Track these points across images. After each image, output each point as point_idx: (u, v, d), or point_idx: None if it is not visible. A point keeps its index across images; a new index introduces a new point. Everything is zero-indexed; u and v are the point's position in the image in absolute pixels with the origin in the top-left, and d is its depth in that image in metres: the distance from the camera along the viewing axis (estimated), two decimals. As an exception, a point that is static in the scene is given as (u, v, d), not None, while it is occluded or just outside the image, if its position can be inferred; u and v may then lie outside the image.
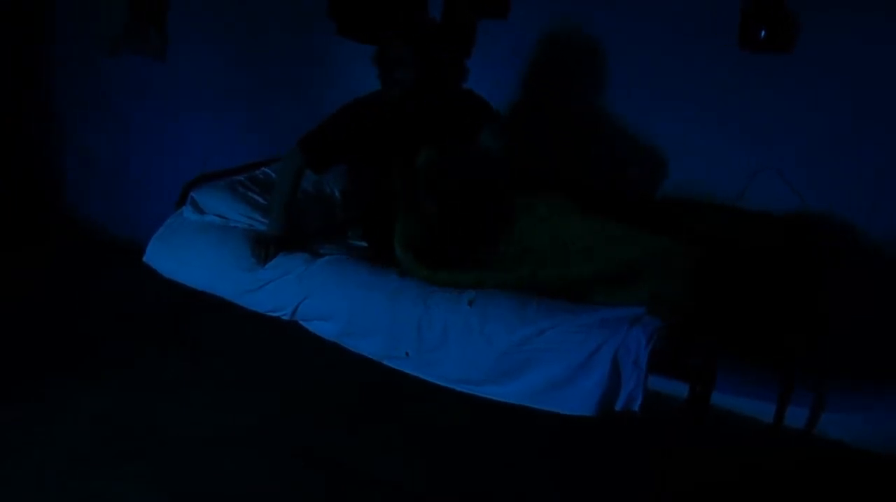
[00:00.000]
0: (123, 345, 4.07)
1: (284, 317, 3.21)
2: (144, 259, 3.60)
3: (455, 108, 3.49)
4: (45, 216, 5.58)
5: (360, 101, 3.42)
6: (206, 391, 3.71)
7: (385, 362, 3.01)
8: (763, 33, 3.25)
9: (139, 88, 5.05)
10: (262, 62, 4.57)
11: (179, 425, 3.45)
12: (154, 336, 4.12)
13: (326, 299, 3.11)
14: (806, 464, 3.43)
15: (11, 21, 5.20)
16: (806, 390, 3.51)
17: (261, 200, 3.56)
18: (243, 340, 4.04)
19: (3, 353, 3.90)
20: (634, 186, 3.61)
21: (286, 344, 3.53)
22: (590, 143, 3.78)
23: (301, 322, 3.20)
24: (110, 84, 5.17)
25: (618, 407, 2.62)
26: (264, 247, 3.25)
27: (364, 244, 3.48)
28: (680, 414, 2.79)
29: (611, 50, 3.66)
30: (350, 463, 3.27)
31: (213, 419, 3.50)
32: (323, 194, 3.74)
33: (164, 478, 3.11)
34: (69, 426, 3.39)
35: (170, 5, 4.80)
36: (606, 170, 3.74)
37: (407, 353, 2.93)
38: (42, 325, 4.23)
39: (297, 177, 3.39)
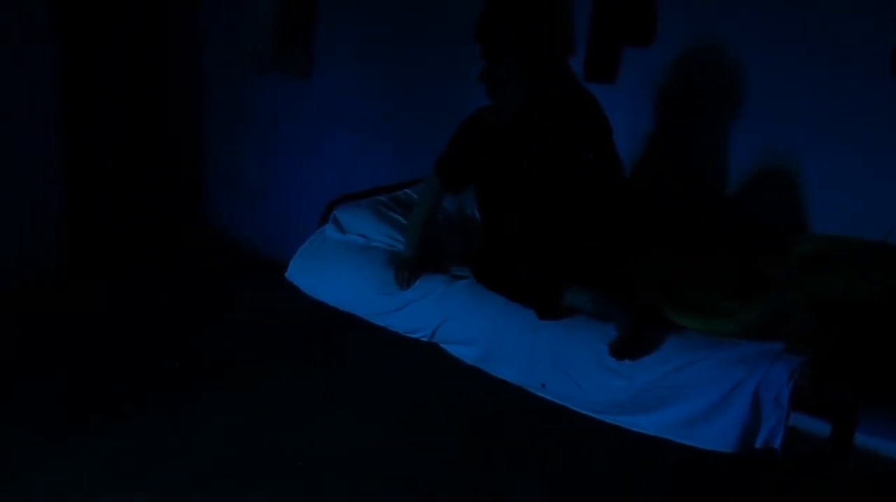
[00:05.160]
0: (263, 361, 4.16)
1: (423, 339, 3.28)
2: (286, 276, 3.71)
3: (570, 114, 3.38)
4: (190, 232, 5.79)
5: (477, 115, 3.41)
6: (339, 413, 3.74)
7: (523, 388, 3.05)
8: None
9: (285, 107, 5.21)
10: (407, 83, 4.65)
11: (314, 445, 3.48)
12: (294, 353, 4.21)
13: (466, 323, 3.17)
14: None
15: (161, 41, 5.42)
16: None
17: (402, 221, 3.65)
18: (382, 361, 4.06)
19: (146, 364, 4.07)
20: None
21: (424, 365, 3.54)
22: (727, 177, 3.73)
23: (440, 344, 3.26)
24: (256, 103, 5.35)
25: (758, 444, 2.60)
26: (406, 272, 3.32)
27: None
28: (821, 454, 2.74)
29: (751, 79, 3.60)
30: (483, 493, 3.26)
31: (345, 442, 3.51)
32: (464, 215, 3.79)
33: (292, 499, 3.15)
34: (202, 439, 3.47)
35: (316, 26, 4.94)
36: (744, 204, 3.69)
37: (543, 384, 2.97)
38: (185, 339, 4.38)
39: (432, 199, 3.45)
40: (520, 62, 3.24)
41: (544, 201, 3.30)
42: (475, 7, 4.04)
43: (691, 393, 2.66)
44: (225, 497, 3.14)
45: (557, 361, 2.91)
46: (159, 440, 3.44)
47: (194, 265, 5.43)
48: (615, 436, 2.89)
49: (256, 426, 3.60)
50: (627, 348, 2.80)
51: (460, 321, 3.17)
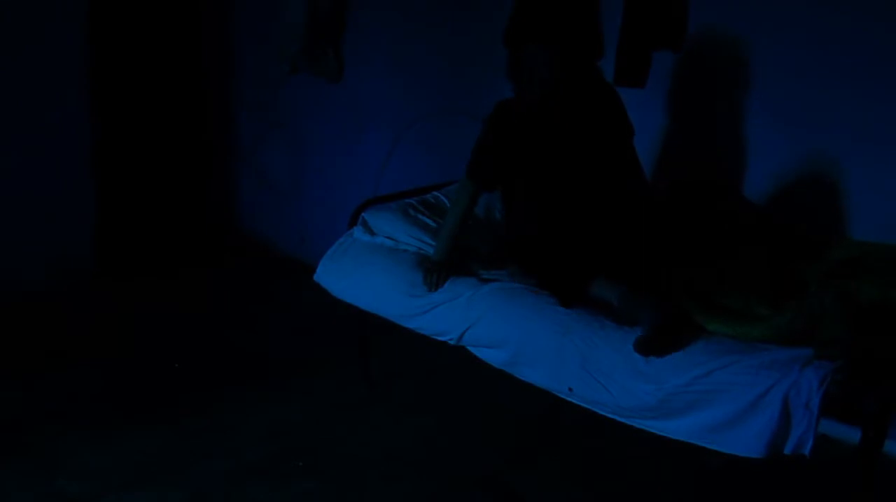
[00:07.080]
0: (297, 362, 4.20)
1: (452, 342, 3.28)
2: (315, 278, 3.73)
3: (593, 111, 3.37)
4: (221, 234, 5.83)
5: (499, 110, 3.39)
6: (377, 412, 3.79)
7: (550, 392, 3.04)
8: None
9: (315, 109, 5.23)
10: (437, 86, 4.66)
11: (349, 445, 3.52)
12: (328, 354, 4.24)
13: (494, 326, 3.16)
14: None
15: (194, 43, 5.47)
16: None
17: (431, 224, 3.65)
18: (417, 362, 4.07)
19: (184, 366, 4.11)
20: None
21: (458, 367, 3.55)
22: (763, 180, 3.70)
23: (468, 347, 3.26)
24: (287, 105, 5.38)
25: (787, 450, 2.58)
26: (435, 274, 3.32)
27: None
28: (851, 461, 2.71)
29: (788, 82, 3.56)
30: (513, 493, 3.26)
31: (383, 441, 3.56)
32: (492, 219, 3.78)
33: (328, 497, 3.18)
34: (243, 438, 3.53)
35: (347, 28, 4.96)
36: (779, 208, 3.66)
37: (570, 389, 2.95)
38: (219, 340, 4.43)
39: (465, 203, 3.44)
40: (546, 58, 3.25)
41: (568, 195, 3.30)
42: (506, 7, 4.03)
43: (721, 398, 2.64)
44: (265, 489, 3.19)
45: (586, 364, 2.89)
46: (201, 438, 3.50)
47: (225, 266, 5.47)
48: (638, 439, 2.89)
49: (297, 424, 3.66)
50: (654, 345, 2.79)
51: (489, 324, 3.16)
